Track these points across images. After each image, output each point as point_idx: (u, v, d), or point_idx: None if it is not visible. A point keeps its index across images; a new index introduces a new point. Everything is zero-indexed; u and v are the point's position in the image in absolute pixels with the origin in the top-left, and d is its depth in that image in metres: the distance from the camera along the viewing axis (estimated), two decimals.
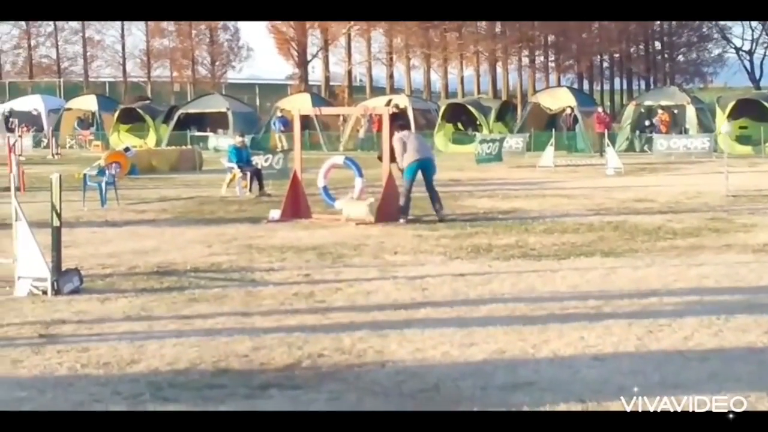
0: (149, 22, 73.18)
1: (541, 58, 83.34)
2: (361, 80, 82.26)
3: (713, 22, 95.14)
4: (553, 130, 35.34)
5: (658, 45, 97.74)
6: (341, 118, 45.46)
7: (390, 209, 16.67)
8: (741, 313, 9.16)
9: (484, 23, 76.80)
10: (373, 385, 7.06)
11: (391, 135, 16.79)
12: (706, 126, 40.09)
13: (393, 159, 16.89)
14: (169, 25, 75.62)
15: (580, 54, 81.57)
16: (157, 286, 10.94)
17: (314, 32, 72.46)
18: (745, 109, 39.93)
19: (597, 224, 16.03)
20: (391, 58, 73.84)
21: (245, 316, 9.31)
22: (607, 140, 32.09)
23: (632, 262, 12.32)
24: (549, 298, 9.97)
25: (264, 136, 45.01)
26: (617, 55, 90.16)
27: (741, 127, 39.42)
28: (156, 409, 6.54)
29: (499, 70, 78.31)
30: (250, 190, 22.00)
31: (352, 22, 69.53)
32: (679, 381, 6.97)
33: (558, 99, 44.08)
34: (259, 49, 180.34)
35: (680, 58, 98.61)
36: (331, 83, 75.12)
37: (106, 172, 21.24)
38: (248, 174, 22.19)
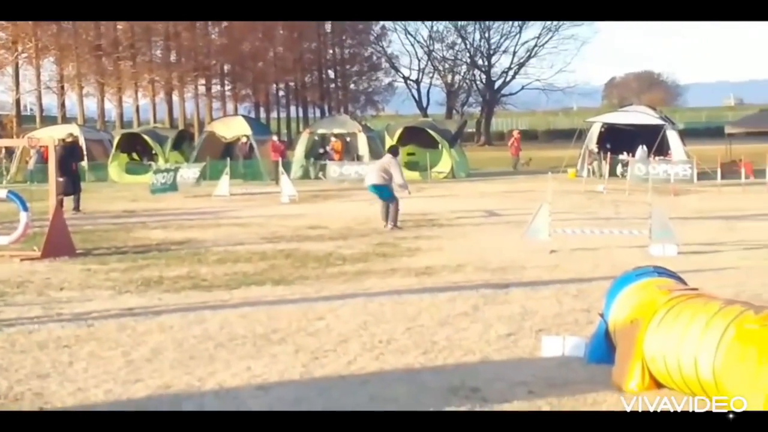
0: None
1: (218, 87, 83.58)
2: (31, 109, 79.18)
3: (381, 52, 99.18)
4: (229, 158, 35.44)
5: (332, 74, 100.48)
6: (2, 150, 43.45)
7: (58, 243, 16.10)
8: (402, 335, 9.53)
9: (159, 52, 76.10)
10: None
11: (61, 167, 16.21)
12: (377, 153, 41.43)
13: (61, 192, 16.31)
14: None
15: (257, 82, 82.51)
16: None
17: None
18: (412, 136, 41.69)
19: (270, 252, 16.19)
20: (63, 87, 71.51)
21: None
22: (281, 168, 32.50)
23: (302, 289, 12.53)
24: (218, 329, 9.95)
25: None
26: (293, 84, 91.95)
27: (409, 154, 41.11)
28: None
29: (176, 98, 77.78)
30: None
31: (20, 49, 66.84)
32: (341, 405, 7.15)
33: (232, 128, 44.22)
34: None
35: (352, 86, 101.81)
36: None
37: None
38: None
